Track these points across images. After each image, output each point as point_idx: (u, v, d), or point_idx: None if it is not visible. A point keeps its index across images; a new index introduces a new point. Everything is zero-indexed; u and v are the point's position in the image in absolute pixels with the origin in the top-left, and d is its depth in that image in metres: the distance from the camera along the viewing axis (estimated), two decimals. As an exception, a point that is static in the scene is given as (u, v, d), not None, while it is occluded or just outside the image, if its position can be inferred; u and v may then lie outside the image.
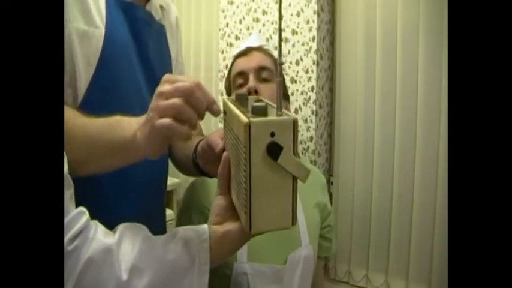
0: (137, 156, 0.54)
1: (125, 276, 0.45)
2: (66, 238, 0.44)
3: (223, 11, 1.97)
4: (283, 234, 0.85)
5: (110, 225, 0.50)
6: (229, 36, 1.96)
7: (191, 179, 0.96)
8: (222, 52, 1.95)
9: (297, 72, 1.75)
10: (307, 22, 1.72)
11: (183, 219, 0.89)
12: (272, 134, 0.43)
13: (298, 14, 1.74)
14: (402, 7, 1.66)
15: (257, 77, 0.94)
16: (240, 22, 1.92)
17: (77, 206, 0.48)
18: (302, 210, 0.90)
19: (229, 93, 1.05)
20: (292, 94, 1.77)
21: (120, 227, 0.50)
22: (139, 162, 0.64)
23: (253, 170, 0.43)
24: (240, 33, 1.93)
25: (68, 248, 0.43)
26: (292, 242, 0.85)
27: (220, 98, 1.82)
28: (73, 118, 0.54)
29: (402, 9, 1.66)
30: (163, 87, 0.48)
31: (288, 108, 1.02)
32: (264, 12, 1.84)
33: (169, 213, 1.89)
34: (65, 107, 0.56)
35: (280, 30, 0.50)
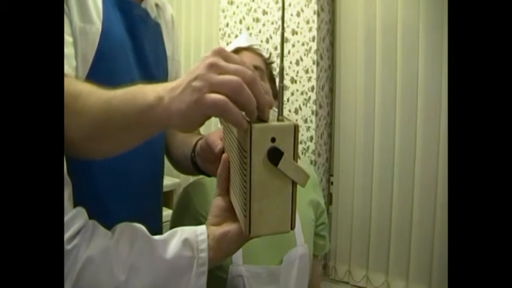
0: (158, 124, 0.46)
1: (123, 276, 0.45)
2: (65, 237, 0.44)
3: (223, 11, 1.97)
4: (278, 235, 0.85)
5: (107, 226, 0.50)
6: (229, 36, 1.96)
7: (191, 179, 0.96)
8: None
9: (297, 72, 1.75)
10: (307, 22, 1.72)
11: (176, 224, 0.86)
12: (273, 140, 0.43)
13: (298, 14, 1.74)
14: (402, 7, 1.66)
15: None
16: (240, 22, 1.92)
17: (74, 206, 0.48)
18: (296, 210, 0.90)
19: None
20: (292, 94, 1.77)
21: (119, 227, 0.50)
22: (136, 162, 0.63)
23: (254, 175, 0.43)
24: (240, 33, 1.93)
25: (67, 247, 0.43)
26: (287, 242, 0.85)
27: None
28: (89, 91, 0.50)
29: (402, 9, 1.66)
30: (217, 60, 0.42)
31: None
32: (264, 12, 1.84)
33: (169, 213, 1.87)
34: (80, 81, 0.54)
35: (282, 38, 0.49)
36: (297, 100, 1.76)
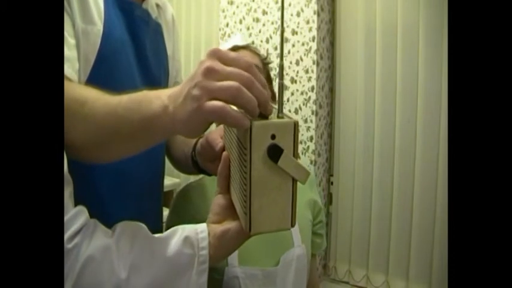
0: (164, 133, 0.48)
1: (124, 274, 0.45)
2: (66, 236, 0.44)
3: (223, 11, 1.97)
4: (275, 236, 0.85)
5: (108, 225, 0.50)
6: (229, 36, 1.96)
7: (191, 179, 0.95)
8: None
9: (297, 72, 1.76)
10: (307, 22, 1.72)
11: (173, 223, 0.85)
12: (273, 136, 0.43)
13: (298, 14, 1.74)
14: (402, 7, 1.66)
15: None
16: (240, 22, 1.92)
17: (75, 205, 0.48)
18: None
19: None
20: (292, 94, 1.77)
21: (119, 226, 0.50)
22: (136, 162, 0.63)
23: (254, 172, 0.44)
24: (240, 33, 1.93)
25: (68, 246, 0.43)
26: (284, 243, 0.84)
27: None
28: (95, 98, 0.51)
29: (402, 9, 1.66)
30: (214, 63, 0.42)
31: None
32: (264, 12, 1.84)
33: (169, 213, 1.89)
34: (86, 87, 0.54)
35: (282, 35, 0.49)
36: (297, 100, 1.76)
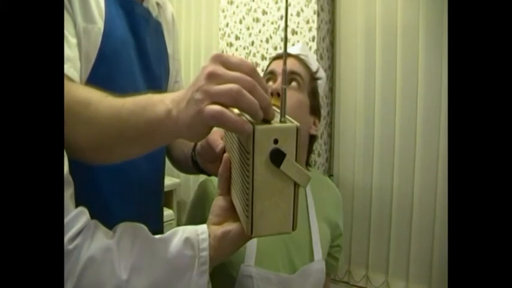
0: (168, 136, 0.48)
1: (125, 275, 0.45)
2: (67, 237, 0.44)
3: (223, 11, 1.97)
4: (296, 246, 0.85)
5: (108, 226, 0.50)
6: (229, 36, 1.96)
7: (191, 179, 0.95)
8: (222, 52, 1.95)
9: (297, 72, 1.75)
10: (307, 22, 1.72)
11: (196, 215, 0.84)
12: (275, 141, 0.43)
13: (298, 14, 1.74)
14: (402, 7, 1.66)
15: (284, 82, 0.91)
16: (240, 22, 1.92)
17: (76, 207, 0.48)
18: (316, 222, 0.89)
19: None
20: (292, 94, 1.77)
21: (120, 227, 0.50)
22: (137, 163, 0.63)
23: (256, 176, 0.44)
24: (240, 33, 1.93)
25: (68, 247, 0.43)
26: (303, 254, 0.84)
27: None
28: (99, 100, 0.51)
29: (402, 9, 1.66)
30: (216, 68, 0.43)
31: (316, 125, 0.99)
32: (264, 12, 1.84)
33: (169, 213, 1.88)
34: (88, 88, 0.54)
35: (285, 40, 0.48)
36: (297, 100, 1.76)
